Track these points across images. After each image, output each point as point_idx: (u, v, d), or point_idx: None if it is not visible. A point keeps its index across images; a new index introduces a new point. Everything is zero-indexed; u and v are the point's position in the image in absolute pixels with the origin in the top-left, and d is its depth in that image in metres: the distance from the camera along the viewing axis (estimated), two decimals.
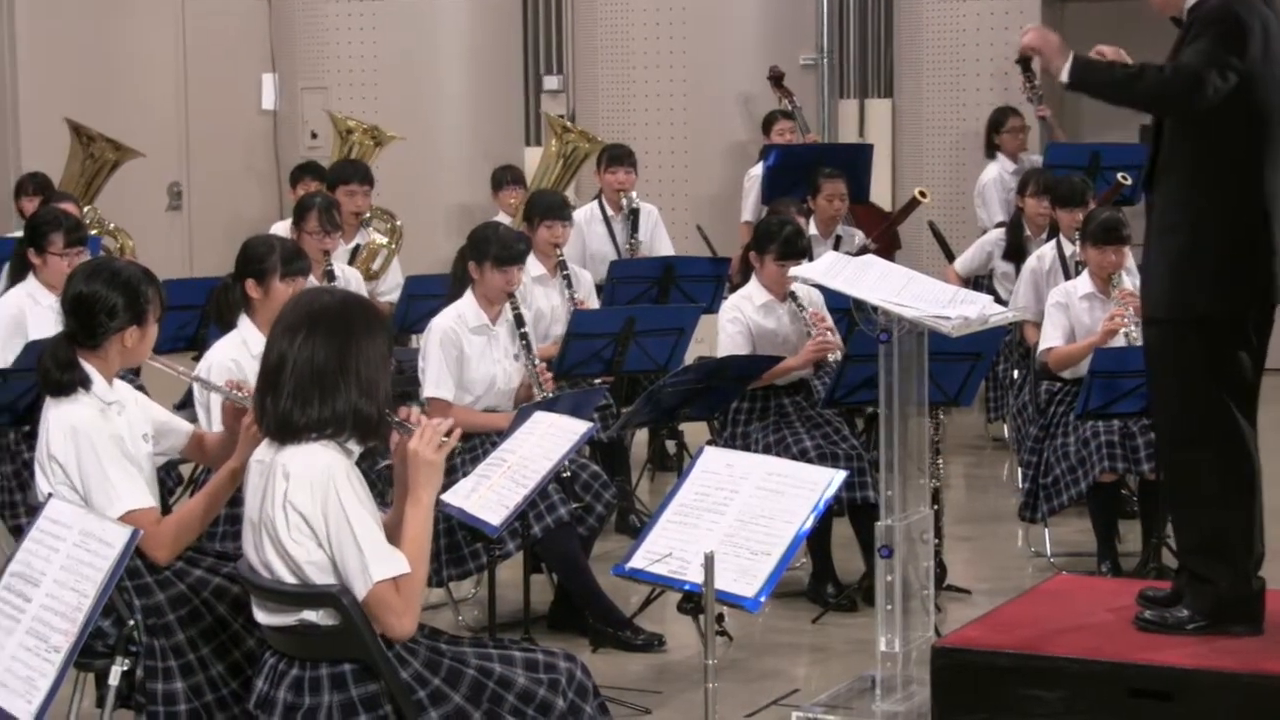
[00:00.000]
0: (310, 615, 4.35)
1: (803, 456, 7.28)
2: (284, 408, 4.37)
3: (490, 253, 7.26)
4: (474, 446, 7.01)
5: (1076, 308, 8.11)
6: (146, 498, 5.11)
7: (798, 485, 5.14)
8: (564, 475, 6.83)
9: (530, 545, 6.71)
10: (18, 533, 6.61)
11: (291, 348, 4.39)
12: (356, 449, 4.47)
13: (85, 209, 11.16)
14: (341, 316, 4.43)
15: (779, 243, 7.77)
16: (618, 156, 10.44)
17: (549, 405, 6.64)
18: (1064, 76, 5.52)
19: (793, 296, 7.79)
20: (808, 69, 13.93)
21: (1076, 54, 5.54)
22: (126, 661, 5.00)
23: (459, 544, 6.81)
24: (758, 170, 11.62)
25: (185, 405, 7.47)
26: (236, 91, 14.84)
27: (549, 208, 8.84)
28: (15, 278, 7.84)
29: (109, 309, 5.18)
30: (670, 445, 9.45)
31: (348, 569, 4.28)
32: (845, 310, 7.29)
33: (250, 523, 4.47)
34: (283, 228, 9.10)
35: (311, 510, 4.29)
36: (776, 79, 13.02)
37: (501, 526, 5.92)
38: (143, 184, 14.21)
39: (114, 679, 5.00)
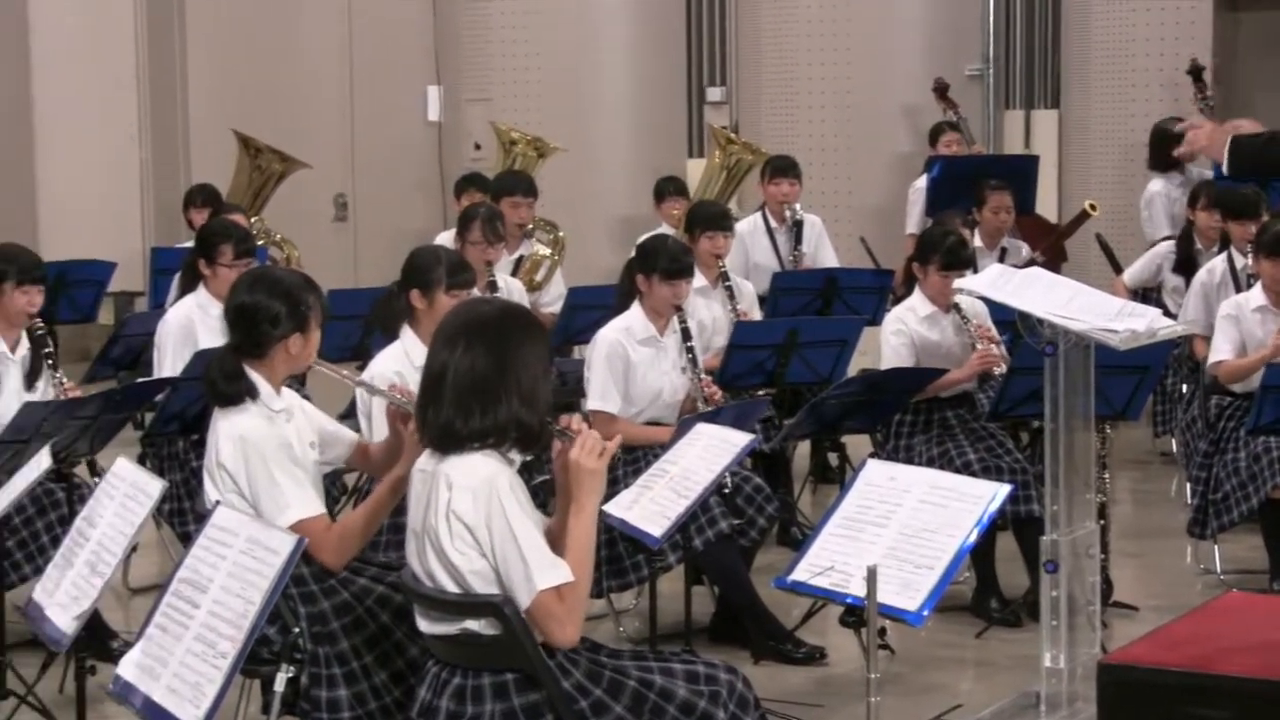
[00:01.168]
0: (472, 624, 4.36)
1: (966, 470, 7.20)
2: (446, 418, 4.38)
3: (659, 265, 7.25)
4: (636, 458, 7.00)
5: (1248, 320, 7.97)
6: (316, 505, 5.16)
7: (961, 499, 5.09)
8: (725, 490, 6.80)
9: (691, 557, 6.69)
10: (186, 539, 6.71)
11: (452, 358, 4.41)
12: (518, 458, 4.48)
13: (253, 220, 11.31)
14: (501, 326, 4.44)
15: (942, 253, 7.71)
16: (781, 168, 10.40)
17: (711, 417, 6.62)
18: (1225, 169, 5.48)
19: (956, 308, 7.72)
20: (973, 80, 13.81)
21: (1233, 139, 5.46)
22: (291, 668, 5.04)
23: (620, 555, 6.80)
24: (922, 182, 11.54)
25: (349, 415, 7.52)
26: (402, 103, 14.99)
27: (710, 219, 8.81)
28: (185, 288, 7.95)
29: (272, 318, 5.23)
30: (832, 457, 9.40)
31: (511, 578, 4.29)
32: (1010, 323, 7.20)
33: (414, 532, 4.49)
34: (447, 238, 9.16)
35: (475, 519, 4.30)
36: (941, 90, 12.92)
37: (663, 538, 5.91)
38: (309, 195, 14.37)
39: (279, 685, 5.04)
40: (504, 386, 4.37)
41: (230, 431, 5.15)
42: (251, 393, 5.19)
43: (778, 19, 13.63)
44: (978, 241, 9.85)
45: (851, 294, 9.40)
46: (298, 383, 7.14)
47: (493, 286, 8.54)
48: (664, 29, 14.15)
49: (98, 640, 6.61)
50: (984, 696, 6.45)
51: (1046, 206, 12.74)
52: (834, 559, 5.08)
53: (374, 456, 5.62)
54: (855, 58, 13.41)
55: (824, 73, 13.44)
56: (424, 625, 4.50)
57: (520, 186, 10.13)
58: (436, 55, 14.75)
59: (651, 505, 5.91)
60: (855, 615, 5.01)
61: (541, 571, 4.28)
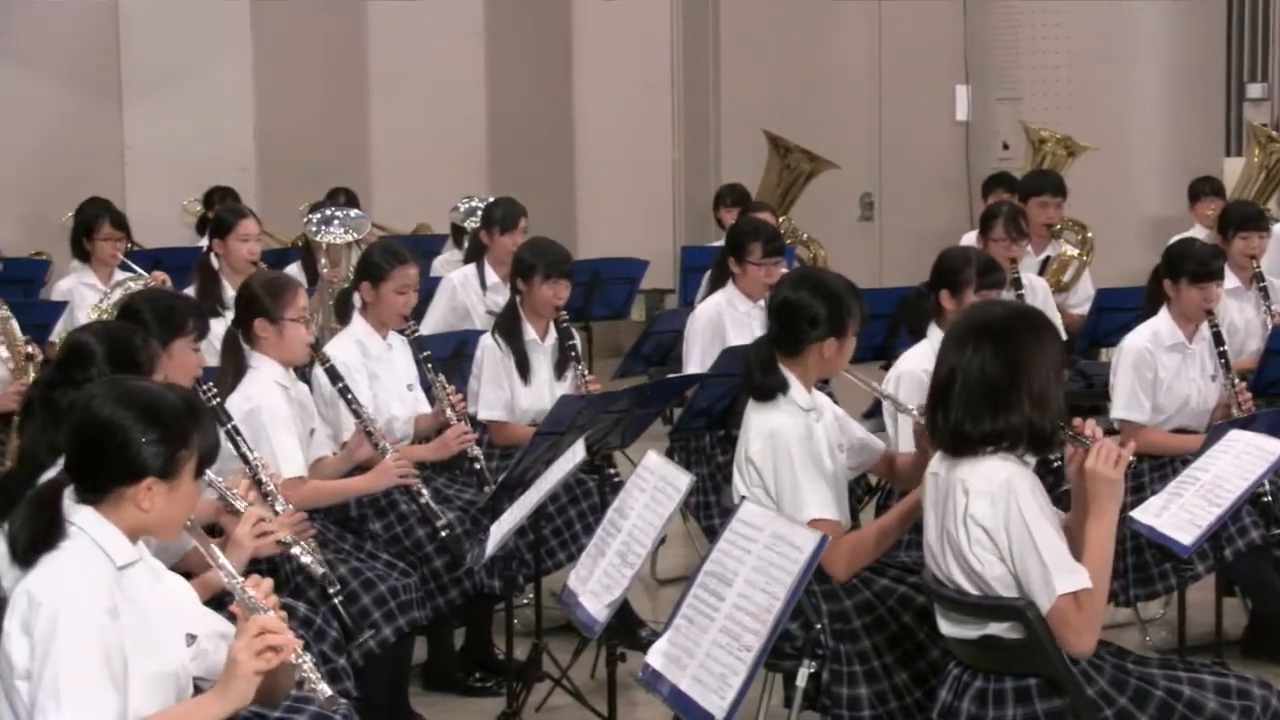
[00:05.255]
0: (995, 628, 4.33)
1: None
2: (955, 420, 4.36)
3: (1186, 269, 7.04)
4: (1163, 464, 6.83)
5: None
6: (832, 510, 5.18)
7: None
8: (1263, 499, 6.57)
9: (1222, 567, 6.49)
10: (711, 533, 6.83)
11: (961, 360, 4.38)
12: (1031, 460, 4.41)
13: (781, 219, 11.44)
14: (1010, 328, 4.39)
15: None
16: None
17: (1245, 424, 6.39)
18: None
19: None
20: None
21: None
22: (813, 664, 5.09)
23: (1147, 563, 6.63)
24: None
25: (872, 415, 7.54)
26: (930, 103, 14.95)
27: (1245, 218, 8.52)
28: (715, 285, 8.11)
29: (811, 318, 5.28)
30: None
31: (1030, 582, 4.24)
32: None
33: (931, 536, 4.47)
34: (972, 239, 9.10)
35: (993, 524, 4.27)
36: None
37: (1192, 547, 5.72)
38: (836, 194, 14.48)
39: (801, 680, 5.10)
40: (1015, 389, 4.32)
41: (762, 427, 5.23)
42: (783, 387, 5.26)
43: None
44: None
45: None
46: (821, 382, 7.19)
47: (1017, 284, 8.44)
48: (1202, 23, 13.73)
49: (627, 628, 6.80)
50: None
51: None
52: None
53: (899, 470, 5.64)
54: None
55: None
56: (945, 628, 4.48)
57: (1049, 186, 9.97)
58: (966, 55, 14.66)
59: (1181, 513, 5.74)
60: None
61: (1061, 575, 4.21)
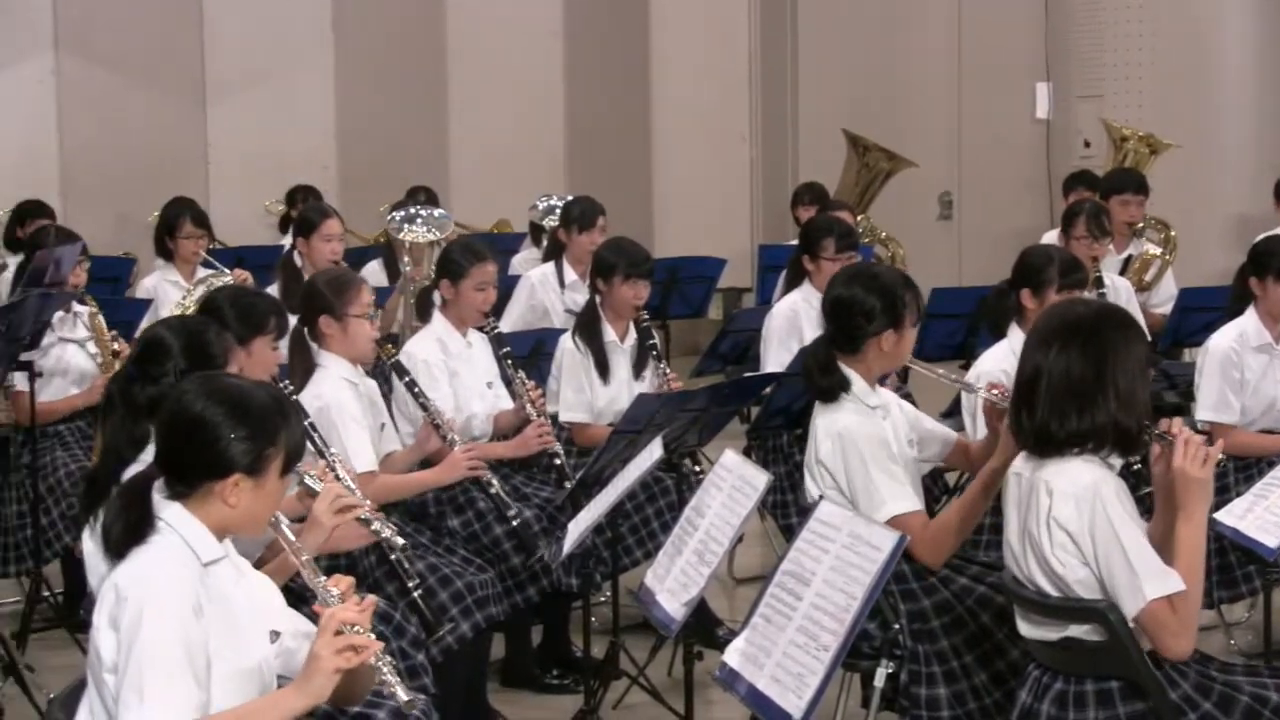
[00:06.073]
0: (1076, 630, 4.29)
1: None
2: (1041, 420, 4.32)
3: (1274, 267, 6.97)
4: (1248, 465, 6.77)
5: None
6: (912, 501, 5.17)
7: None
8: None
9: None
10: (788, 532, 6.82)
11: (1046, 360, 4.34)
12: (1117, 462, 4.37)
13: (859, 218, 11.41)
14: (1096, 328, 4.35)
15: None
16: None
17: None
18: None
19: None
20: None
21: None
22: (891, 664, 5.07)
23: (1231, 565, 6.57)
24: None
25: (951, 413, 7.51)
26: (1010, 101, 14.85)
27: None
28: (791, 284, 8.11)
29: (866, 312, 5.27)
30: None
31: (1118, 587, 4.19)
32: None
33: (1013, 536, 4.44)
34: (1052, 237, 9.05)
35: (1078, 527, 4.23)
36: None
37: (1279, 549, 5.68)
38: (914, 193, 14.42)
39: (879, 681, 5.08)
40: (1101, 389, 4.28)
41: (829, 428, 5.21)
42: (844, 386, 5.24)
43: None
44: None
45: None
46: (899, 379, 7.17)
47: (1099, 284, 8.38)
48: None
49: (704, 627, 6.79)
50: None
51: None
52: None
53: (974, 455, 5.60)
54: None
55: None
56: (1025, 629, 4.44)
57: (1131, 184, 9.91)
58: (1046, 51, 14.57)
59: (1267, 515, 5.68)
60: None
61: (1151, 580, 4.17)
